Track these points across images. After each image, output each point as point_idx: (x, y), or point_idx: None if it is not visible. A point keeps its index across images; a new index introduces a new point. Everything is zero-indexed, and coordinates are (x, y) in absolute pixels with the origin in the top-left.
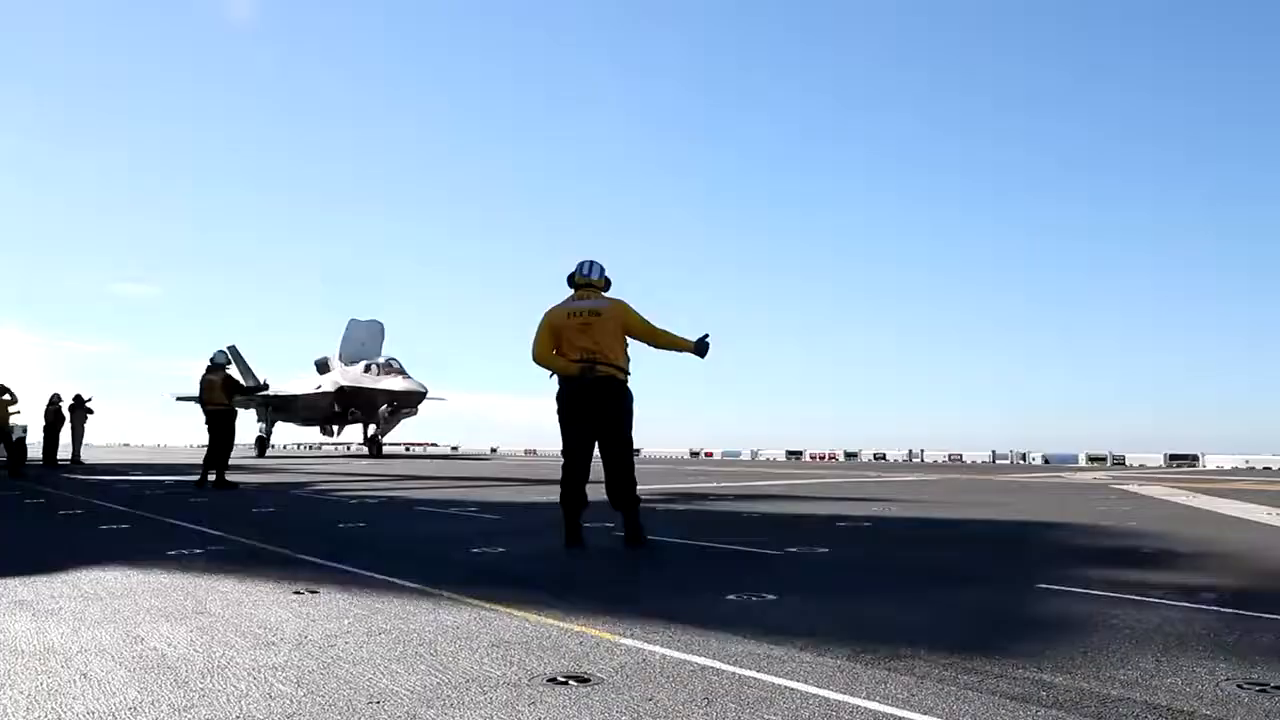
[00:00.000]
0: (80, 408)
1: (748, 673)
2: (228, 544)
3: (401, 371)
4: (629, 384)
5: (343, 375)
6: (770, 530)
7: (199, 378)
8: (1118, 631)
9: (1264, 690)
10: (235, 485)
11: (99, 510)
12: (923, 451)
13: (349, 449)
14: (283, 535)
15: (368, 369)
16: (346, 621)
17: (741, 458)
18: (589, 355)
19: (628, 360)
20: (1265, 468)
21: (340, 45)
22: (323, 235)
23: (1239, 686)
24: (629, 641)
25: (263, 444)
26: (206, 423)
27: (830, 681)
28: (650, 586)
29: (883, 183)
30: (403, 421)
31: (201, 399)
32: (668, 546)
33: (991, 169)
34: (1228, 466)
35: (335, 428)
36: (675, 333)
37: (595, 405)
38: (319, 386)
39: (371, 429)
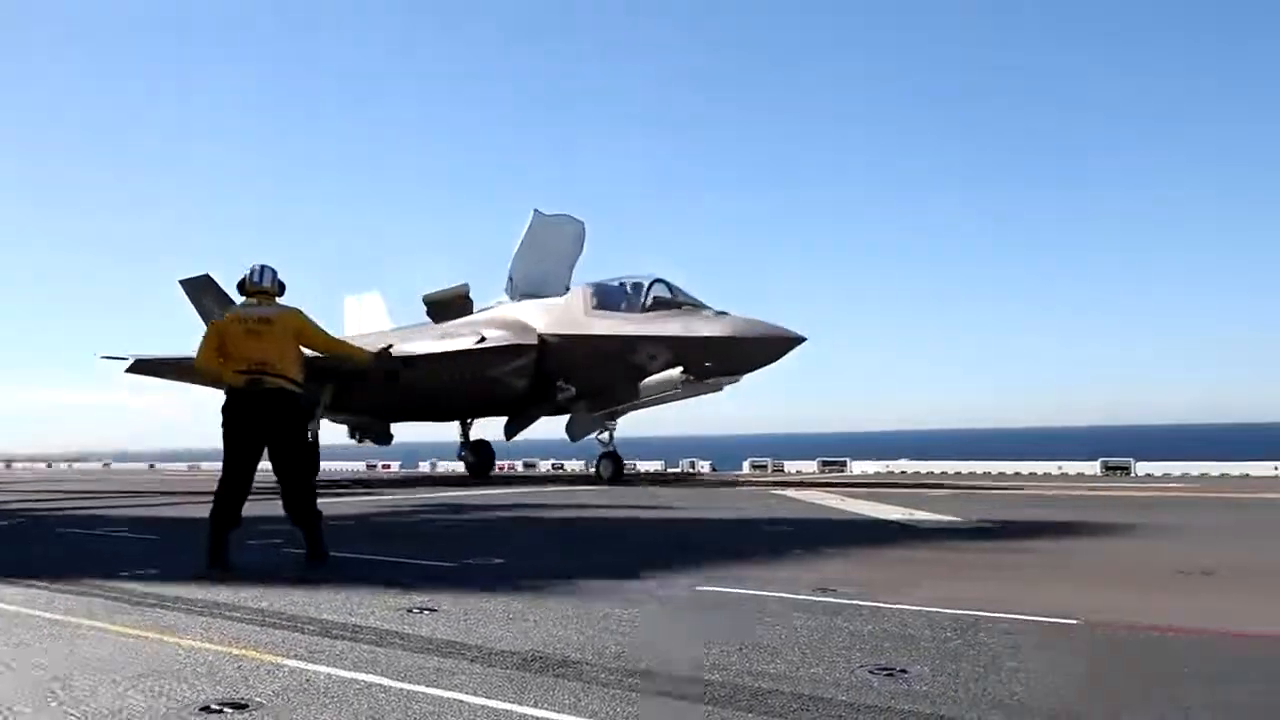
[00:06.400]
0: None
1: (416, 688)
2: None
3: (695, 304)
4: (302, 395)
5: (538, 314)
6: (455, 542)
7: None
8: (771, 626)
9: (891, 674)
10: None
11: None
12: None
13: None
14: None
15: (615, 301)
16: None
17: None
18: (258, 366)
19: (302, 371)
20: (902, 471)
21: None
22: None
23: (870, 672)
24: (292, 663)
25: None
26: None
27: (499, 692)
28: (320, 604)
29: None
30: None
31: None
32: (348, 562)
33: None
34: (870, 471)
35: (513, 419)
36: (354, 346)
37: (264, 419)
38: (480, 340)
39: (604, 434)
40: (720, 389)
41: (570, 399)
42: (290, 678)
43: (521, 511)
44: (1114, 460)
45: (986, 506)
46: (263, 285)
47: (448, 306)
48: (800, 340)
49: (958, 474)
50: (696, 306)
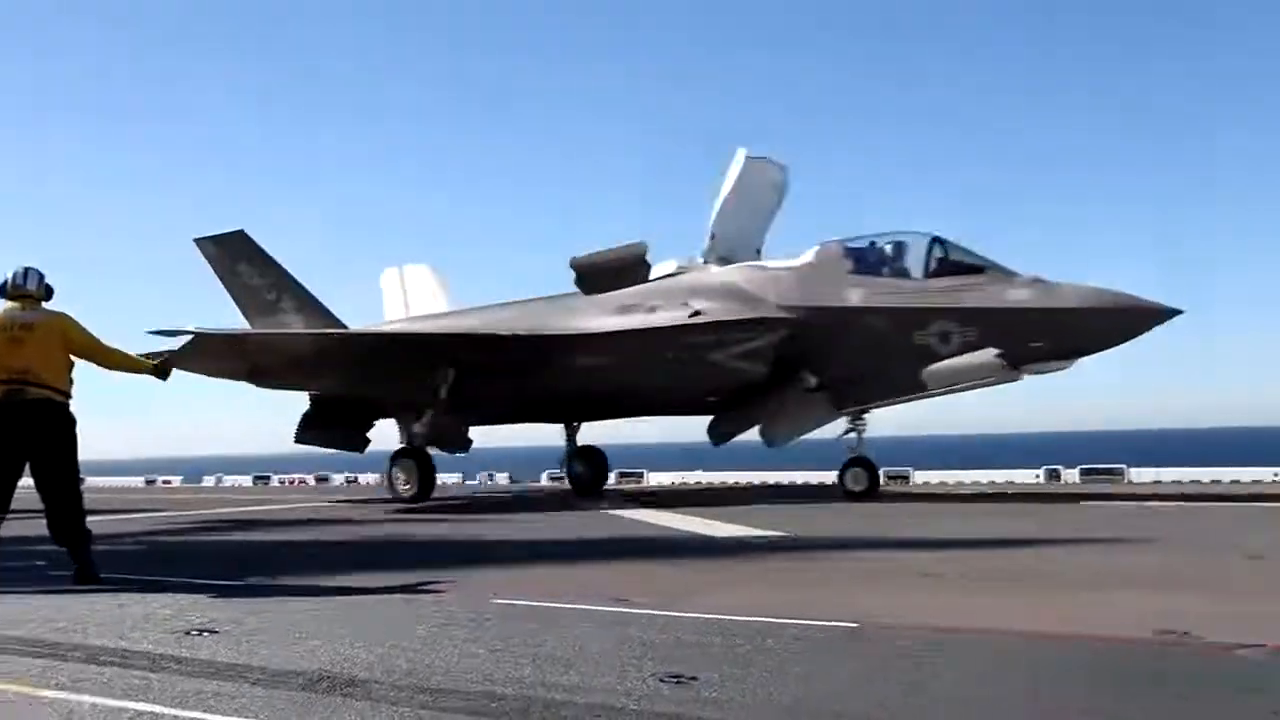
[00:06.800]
0: None
1: (192, 714)
2: None
3: (997, 267)
4: (71, 406)
5: (762, 281)
6: (242, 560)
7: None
8: (566, 638)
9: (681, 682)
10: None
11: None
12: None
13: None
14: None
15: (877, 265)
16: None
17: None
18: (19, 376)
19: (70, 381)
20: (697, 482)
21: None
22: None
23: (661, 680)
24: (51, 693)
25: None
26: None
27: (282, 714)
28: (87, 628)
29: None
30: None
31: None
32: (123, 583)
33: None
34: (667, 481)
35: (723, 416)
36: (130, 353)
37: (27, 432)
38: (694, 313)
39: (850, 435)
40: (1019, 378)
41: (811, 390)
42: (50, 710)
43: (316, 530)
44: (895, 470)
45: (782, 518)
46: (26, 289)
47: (613, 273)
48: (1173, 313)
49: (749, 484)
50: (1001, 271)
